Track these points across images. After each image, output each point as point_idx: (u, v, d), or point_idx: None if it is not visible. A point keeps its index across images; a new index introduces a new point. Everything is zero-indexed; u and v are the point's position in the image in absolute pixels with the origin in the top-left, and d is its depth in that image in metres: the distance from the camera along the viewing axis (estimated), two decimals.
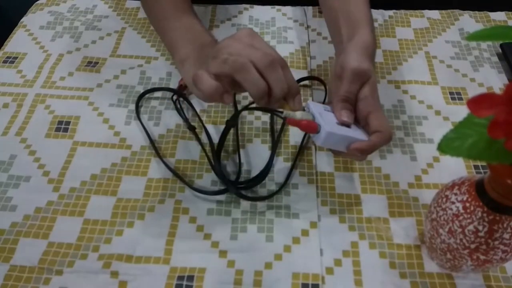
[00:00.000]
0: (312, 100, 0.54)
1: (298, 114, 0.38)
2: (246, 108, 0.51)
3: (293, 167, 0.47)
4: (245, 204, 0.45)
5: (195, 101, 0.54)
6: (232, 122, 0.50)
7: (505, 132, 0.22)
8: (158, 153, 0.48)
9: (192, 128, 0.50)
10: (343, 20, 0.46)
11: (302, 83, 0.56)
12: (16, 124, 0.51)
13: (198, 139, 0.49)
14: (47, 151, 0.49)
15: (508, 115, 0.22)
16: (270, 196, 0.45)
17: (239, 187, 0.45)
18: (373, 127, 0.39)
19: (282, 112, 0.38)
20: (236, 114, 0.51)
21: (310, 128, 0.38)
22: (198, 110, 0.53)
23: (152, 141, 0.49)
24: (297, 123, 0.38)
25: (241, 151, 0.49)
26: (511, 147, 0.22)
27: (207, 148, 0.49)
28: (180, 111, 0.52)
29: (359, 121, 0.41)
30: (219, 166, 0.46)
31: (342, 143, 0.39)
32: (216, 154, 0.47)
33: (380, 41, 0.62)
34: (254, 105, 0.52)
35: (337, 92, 0.41)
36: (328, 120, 0.38)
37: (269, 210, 0.44)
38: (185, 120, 0.51)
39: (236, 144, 0.49)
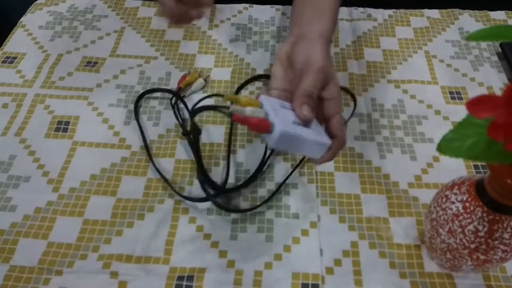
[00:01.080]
0: None
1: (248, 111, 0.33)
2: (196, 110, 0.48)
3: (291, 173, 0.47)
4: (245, 204, 0.45)
5: (192, 103, 0.54)
6: (195, 130, 0.46)
7: (504, 134, 0.22)
8: (150, 157, 0.47)
9: (187, 134, 0.49)
10: (308, 5, 0.44)
11: None
12: (16, 124, 0.51)
13: (191, 146, 0.48)
14: (46, 151, 0.49)
15: (508, 117, 0.21)
16: (252, 208, 0.43)
17: (215, 195, 0.44)
18: (333, 131, 0.37)
19: (228, 108, 0.35)
20: (193, 123, 0.47)
21: (261, 127, 0.33)
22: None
23: (146, 145, 0.49)
24: (245, 121, 0.33)
25: (241, 151, 0.49)
26: (511, 149, 0.22)
27: (208, 151, 0.48)
28: (177, 115, 0.51)
29: (319, 121, 0.38)
30: (202, 175, 0.45)
31: (298, 145, 0.34)
32: (198, 165, 0.46)
33: (380, 41, 0.62)
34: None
35: (296, 85, 0.38)
36: (283, 118, 0.34)
37: (269, 210, 0.44)
38: (181, 125, 0.51)
39: (227, 149, 0.48)
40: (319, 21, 0.41)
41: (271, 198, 0.45)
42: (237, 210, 0.44)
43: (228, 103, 0.51)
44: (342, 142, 0.37)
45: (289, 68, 0.39)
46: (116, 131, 0.51)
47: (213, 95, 0.52)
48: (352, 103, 0.53)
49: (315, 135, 0.36)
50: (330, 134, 0.37)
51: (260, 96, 0.35)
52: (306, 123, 0.36)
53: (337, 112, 0.38)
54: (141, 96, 0.53)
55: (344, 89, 0.54)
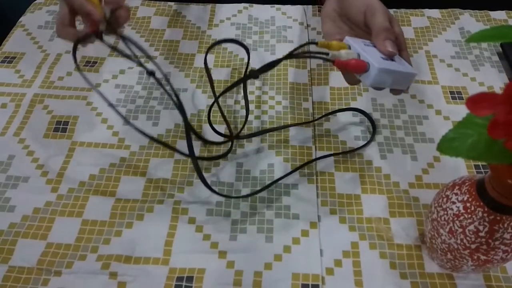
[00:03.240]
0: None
1: (344, 54, 0.35)
2: (290, 56, 0.39)
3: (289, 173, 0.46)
4: (244, 205, 0.44)
5: None
6: (254, 73, 0.39)
7: (505, 132, 0.22)
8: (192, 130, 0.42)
9: (152, 74, 0.41)
10: None
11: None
12: (15, 124, 0.51)
13: (162, 87, 0.41)
14: (45, 151, 0.48)
15: (508, 115, 0.21)
16: (246, 196, 0.42)
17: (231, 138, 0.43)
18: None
19: (327, 54, 0.35)
20: (264, 68, 0.39)
21: (359, 67, 0.35)
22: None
23: (187, 119, 0.41)
24: (345, 64, 0.34)
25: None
26: (511, 147, 0.22)
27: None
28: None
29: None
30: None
31: (391, 80, 0.36)
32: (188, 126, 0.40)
33: None
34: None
35: (370, 25, 0.40)
36: (374, 55, 0.35)
37: (268, 211, 0.44)
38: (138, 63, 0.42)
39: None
40: None
41: (271, 184, 0.44)
42: (229, 196, 0.42)
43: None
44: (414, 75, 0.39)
45: (342, 22, 0.43)
46: (115, 131, 0.50)
47: (305, 44, 0.40)
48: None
49: (404, 67, 0.37)
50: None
51: (345, 38, 0.37)
52: (391, 57, 0.37)
53: (403, 48, 0.40)
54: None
55: (363, 113, 0.52)
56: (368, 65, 0.35)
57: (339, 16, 0.44)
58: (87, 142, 0.49)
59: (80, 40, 0.42)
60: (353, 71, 0.35)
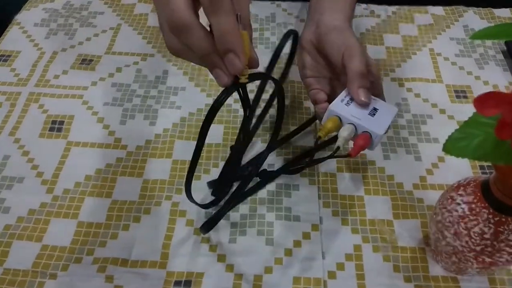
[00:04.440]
0: None
1: (345, 134, 0.34)
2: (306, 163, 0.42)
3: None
4: (244, 207, 0.44)
5: None
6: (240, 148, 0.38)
7: None
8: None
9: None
10: None
11: None
12: (10, 124, 0.50)
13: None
14: (40, 151, 0.48)
15: None
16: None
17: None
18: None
19: (338, 148, 0.34)
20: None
21: (367, 143, 0.34)
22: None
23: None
24: (360, 148, 0.34)
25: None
26: None
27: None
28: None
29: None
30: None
31: (387, 131, 0.37)
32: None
33: (384, 38, 0.61)
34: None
35: (328, 71, 0.41)
36: (365, 117, 0.35)
37: (269, 213, 0.43)
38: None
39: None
40: (340, 8, 0.42)
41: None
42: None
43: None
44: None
45: (319, 56, 0.41)
46: (112, 131, 0.50)
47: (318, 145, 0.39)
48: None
49: (387, 110, 0.37)
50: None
51: (329, 108, 0.36)
52: (366, 106, 0.36)
53: (380, 92, 0.39)
54: None
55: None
56: (369, 134, 0.34)
57: (316, 50, 0.42)
58: (83, 142, 0.48)
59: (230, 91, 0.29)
60: (363, 149, 0.35)
